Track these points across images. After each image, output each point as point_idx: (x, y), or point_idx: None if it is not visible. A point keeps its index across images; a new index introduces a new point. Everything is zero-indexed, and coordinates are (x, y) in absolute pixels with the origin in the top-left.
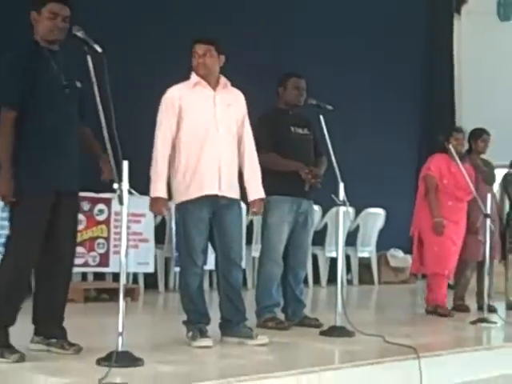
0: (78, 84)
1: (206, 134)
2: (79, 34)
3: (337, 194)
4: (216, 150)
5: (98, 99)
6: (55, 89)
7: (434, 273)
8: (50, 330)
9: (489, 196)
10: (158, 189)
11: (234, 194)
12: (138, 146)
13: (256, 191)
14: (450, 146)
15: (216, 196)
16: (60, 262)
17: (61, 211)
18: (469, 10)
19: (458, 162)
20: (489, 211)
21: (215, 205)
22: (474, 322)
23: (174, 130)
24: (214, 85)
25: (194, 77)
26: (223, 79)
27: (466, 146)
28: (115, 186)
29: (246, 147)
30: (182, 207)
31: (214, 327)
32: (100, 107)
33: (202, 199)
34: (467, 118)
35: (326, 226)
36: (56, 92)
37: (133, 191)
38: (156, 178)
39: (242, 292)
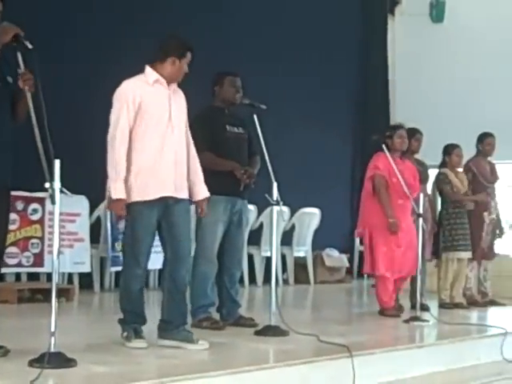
0: (10, 79)
1: (162, 134)
2: None
3: (271, 194)
4: (171, 152)
5: (28, 97)
6: None
7: (380, 274)
8: None
9: (421, 196)
10: (119, 189)
11: (184, 194)
12: (70, 145)
13: (201, 192)
14: (383, 146)
15: (168, 197)
16: None
17: None
18: (402, 11)
19: (391, 160)
20: (421, 211)
21: (165, 204)
22: (407, 321)
23: (132, 125)
24: (168, 83)
25: (152, 73)
26: None
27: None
28: (47, 185)
29: (189, 146)
30: (133, 208)
31: (150, 327)
32: (31, 105)
33: (153, 201)
34: (400, 117)
35: (261, 226)
36: None
37: (65, 190)
38: (116, 177)
39: None
